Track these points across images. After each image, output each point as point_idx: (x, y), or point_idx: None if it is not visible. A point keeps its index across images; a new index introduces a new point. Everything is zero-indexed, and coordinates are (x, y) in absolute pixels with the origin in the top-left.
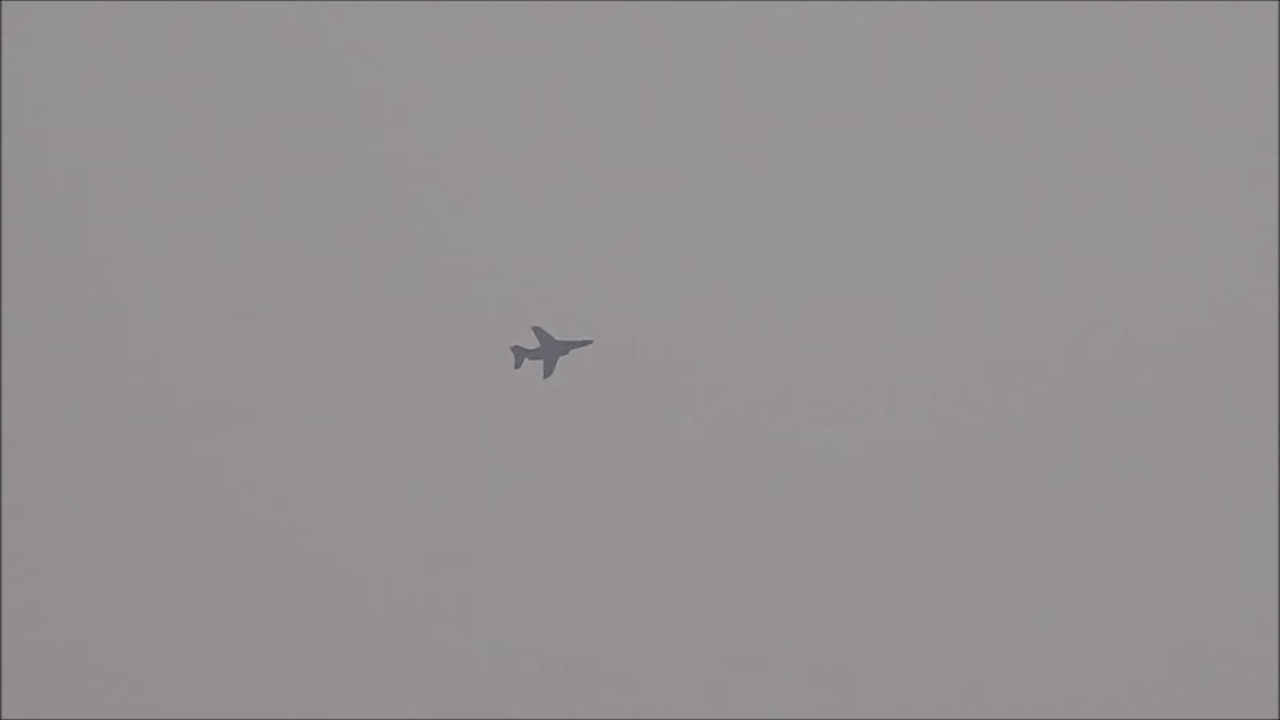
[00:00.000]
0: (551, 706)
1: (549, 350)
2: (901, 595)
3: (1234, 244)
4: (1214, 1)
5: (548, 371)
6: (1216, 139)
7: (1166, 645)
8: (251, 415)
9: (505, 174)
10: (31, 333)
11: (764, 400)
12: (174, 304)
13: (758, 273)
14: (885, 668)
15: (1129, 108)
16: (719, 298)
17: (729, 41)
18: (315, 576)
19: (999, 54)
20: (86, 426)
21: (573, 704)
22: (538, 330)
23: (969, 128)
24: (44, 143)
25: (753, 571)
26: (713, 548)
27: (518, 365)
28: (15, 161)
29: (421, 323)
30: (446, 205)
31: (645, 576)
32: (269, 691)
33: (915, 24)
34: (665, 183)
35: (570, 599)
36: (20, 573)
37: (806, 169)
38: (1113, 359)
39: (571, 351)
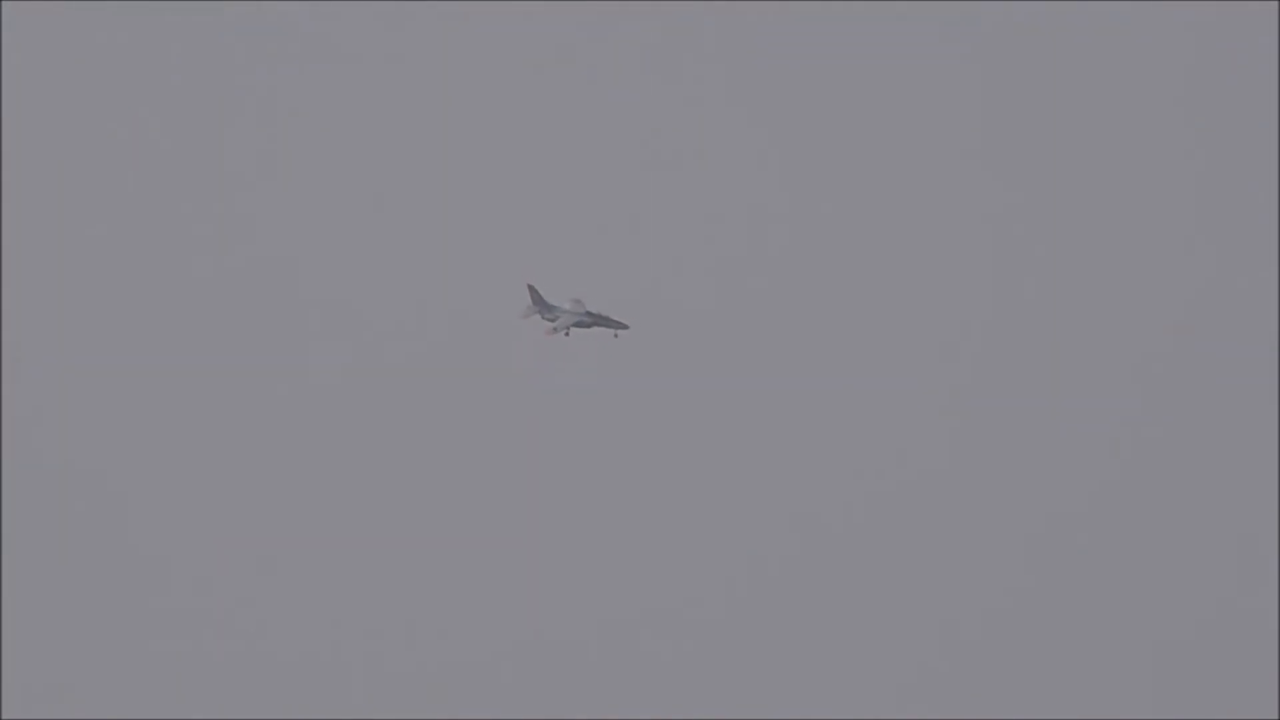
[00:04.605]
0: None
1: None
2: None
3: (1235, 239)
4: (1214, 1)
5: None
6: (1217, 139)
7: (1166, 646)
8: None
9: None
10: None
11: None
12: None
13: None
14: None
15: (1127, 107)
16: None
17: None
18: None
19: (994, 54)
20: (81, 427)
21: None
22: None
23: (953, 133)
24: (44, 142)
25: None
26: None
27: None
28: (15, 161)
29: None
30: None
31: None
32: (270, 691)
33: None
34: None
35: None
36: (19, 573)
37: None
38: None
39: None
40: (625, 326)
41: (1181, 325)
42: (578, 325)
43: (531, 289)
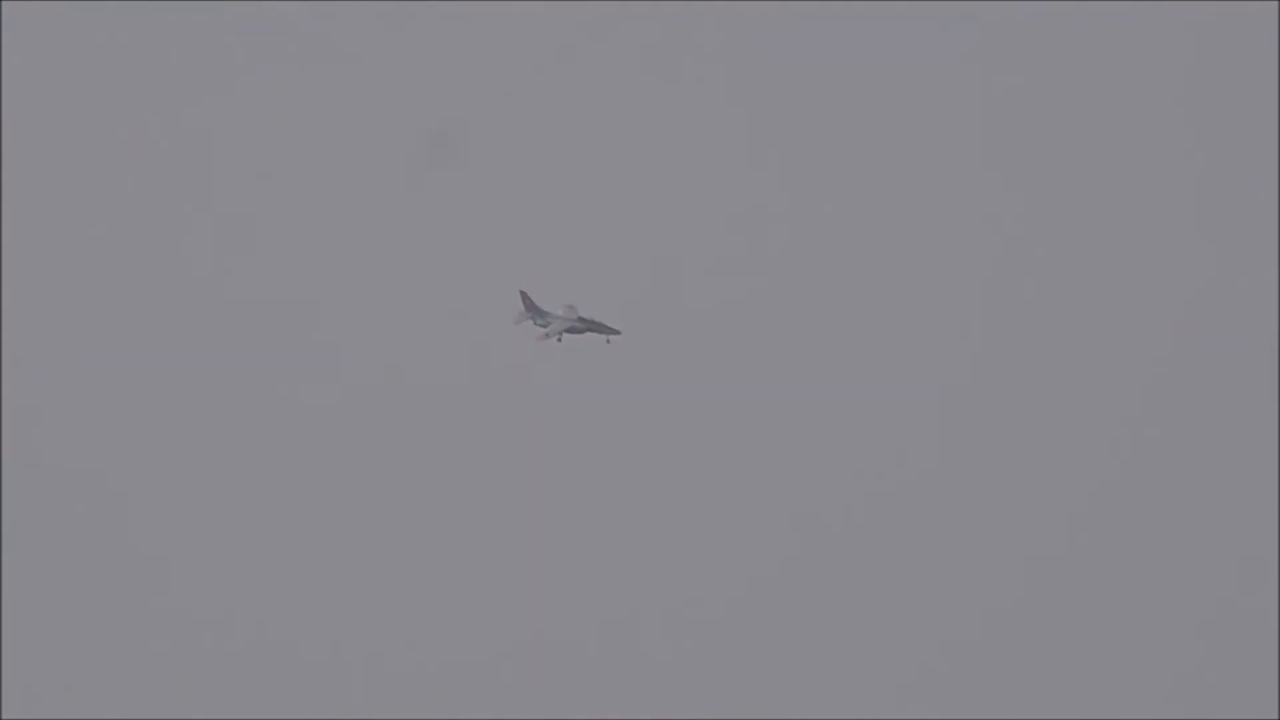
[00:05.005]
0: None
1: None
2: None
3: (1235, 239)
4: (1214, 1)
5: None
6: (1217, 139)
7: (1165, 646)
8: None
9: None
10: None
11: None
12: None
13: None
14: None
15: (1127, 107)
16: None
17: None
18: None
19: (994, 54)
20: (81, 427)
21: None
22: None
23: (953, 133)
24: (44, 142)
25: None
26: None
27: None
28: (15, 161)
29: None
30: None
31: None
32: (270, 691)
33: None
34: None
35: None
36: (20, 574)
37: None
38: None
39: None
40: (617, 332)
41: (1182, 325)
42: (570, 331)
43: (523, 295)
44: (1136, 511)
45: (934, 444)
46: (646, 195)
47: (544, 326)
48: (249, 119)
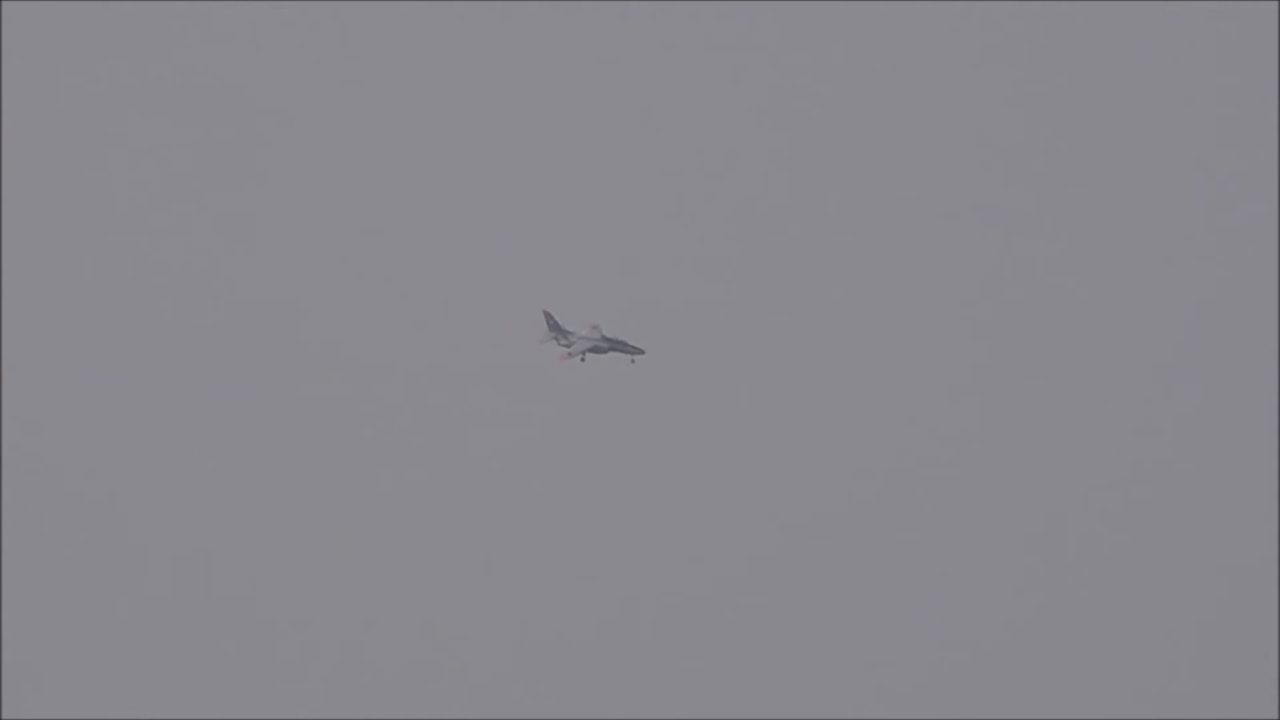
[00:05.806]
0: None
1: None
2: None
3: (1234, 242)
4: (1214, 1)
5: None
6: (1217, 139)
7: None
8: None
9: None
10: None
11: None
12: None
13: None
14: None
15: (1129, 108)
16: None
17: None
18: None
19: (995, 54)
20: (80, 430)
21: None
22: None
23: (955, 133)
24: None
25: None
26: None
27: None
28: (15, 161)
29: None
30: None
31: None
32: (272, 691)
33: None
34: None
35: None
36: (20, 575)
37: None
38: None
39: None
40: (641, 351)
41: (1183, 326)
42: (593, 351)
43: (547, 315)
44: (1136, 512)
45: (936, 446)
46: (646, 195)
47: (567, 346)
48: (249, 119)
